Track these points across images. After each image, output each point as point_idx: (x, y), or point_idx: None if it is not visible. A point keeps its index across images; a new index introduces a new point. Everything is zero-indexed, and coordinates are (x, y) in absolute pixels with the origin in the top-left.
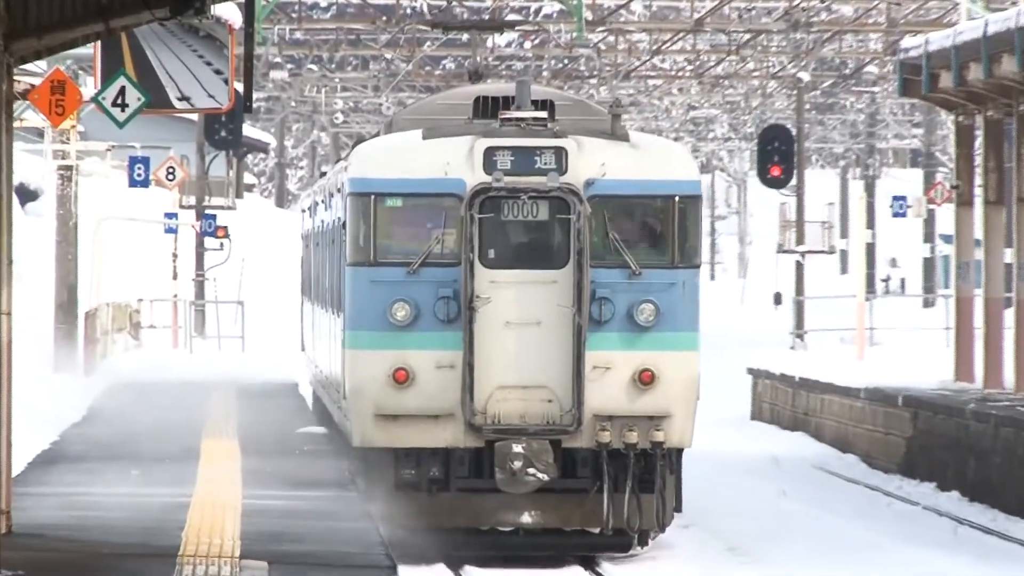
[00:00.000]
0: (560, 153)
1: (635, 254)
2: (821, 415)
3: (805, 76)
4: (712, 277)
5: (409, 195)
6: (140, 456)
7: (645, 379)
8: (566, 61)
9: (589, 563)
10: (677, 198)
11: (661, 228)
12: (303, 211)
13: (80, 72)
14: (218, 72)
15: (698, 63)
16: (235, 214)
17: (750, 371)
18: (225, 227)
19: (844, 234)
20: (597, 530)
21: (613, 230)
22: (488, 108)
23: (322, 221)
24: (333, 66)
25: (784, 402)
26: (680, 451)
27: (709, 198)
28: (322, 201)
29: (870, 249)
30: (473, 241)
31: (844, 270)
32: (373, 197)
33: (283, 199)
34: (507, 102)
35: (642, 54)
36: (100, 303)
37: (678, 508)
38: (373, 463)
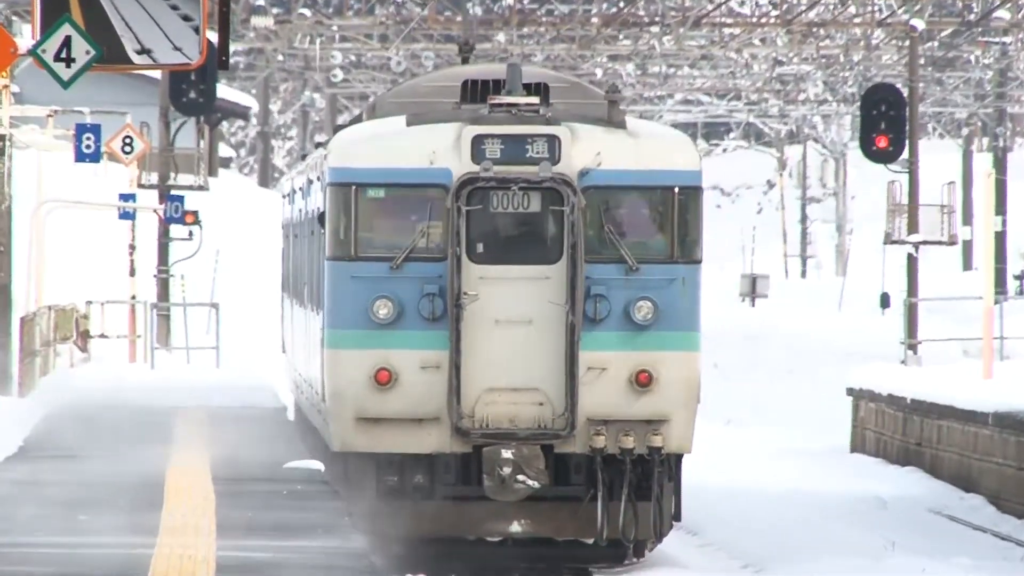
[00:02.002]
0: (553, 141)
1: (632, 248)
2: (938, 446)
3: (920, 23)
4: (803, 274)
5: (392, 185)
6: (90, 498)
7: (642, 381)
8: (621, 4)
9: (582, 575)
10: (677, 189)
11: (660, 221)
12: (284, 197)
13: (14, 19)
14: (187, 19)
15: (786, 7)
16: (208, 195)
17: (850, 391)
18: (195, 212)
19: (967, 220)
20: (591, 540)
21: (609, 223)
22: (477, 92)
23: (301, 211)
24: (330, 10)
25: (892, 430)
26: (680, 457)
27: (800, 175)
28: (301, 189)
29: (1000, 239)
30: (460, 234)
31: (968, 265)
32: (354, 188)
33: (267, 176)
34: (498, 85)
35: None
36: (40, 307)
37: (677, 517)
38: (354, 469)
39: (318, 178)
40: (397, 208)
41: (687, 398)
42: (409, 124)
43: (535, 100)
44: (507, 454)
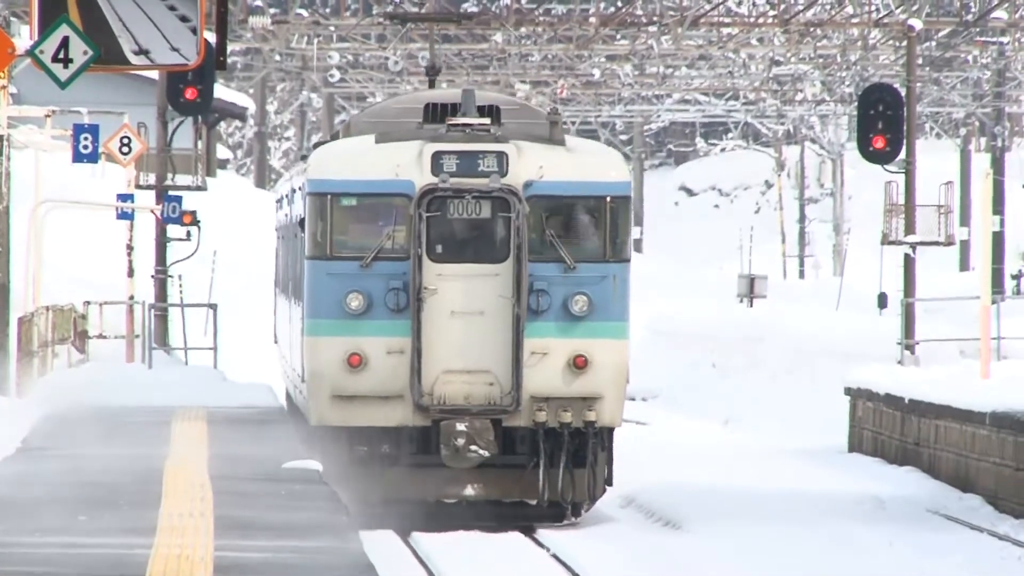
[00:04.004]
0: (501, 157)
1: (570, 250)
2: (936, 446)
3: (917, 23)
4: (801, 275)
5: (363, 195)
6: (88, 498)
7: (579, 364)
8: (619, 4)
9: (528, 532)
10: (609, 198)
11: (594, 226)
12: (277, 201)
13: (13, 19)
14: (184, 19)
15: (783, 7)
16: (205, 196)
17: (848, 391)
18: (193, 212)
19: (965, 221)
20: (534, 502)
21: (550, 227)
22: (437, 114)
23: (287, 215)
24: (327, 10)
25: (890, 430)
26: (611, 430)
27: (797, 175)
28: (287, 196)
29: (997, 239)
30: (421, 237)
31: (965, 266)
32: (329, 197)
33: (264, 177)
34: (455, 108)
35: None
36: (38, 307)
37: (609, 482)
38: (330, 440)
39: (299, 188)
40: (367, 214)
41: (617, 379)
42: (378, 142)
43: (486, 121)
44: (461, 427)
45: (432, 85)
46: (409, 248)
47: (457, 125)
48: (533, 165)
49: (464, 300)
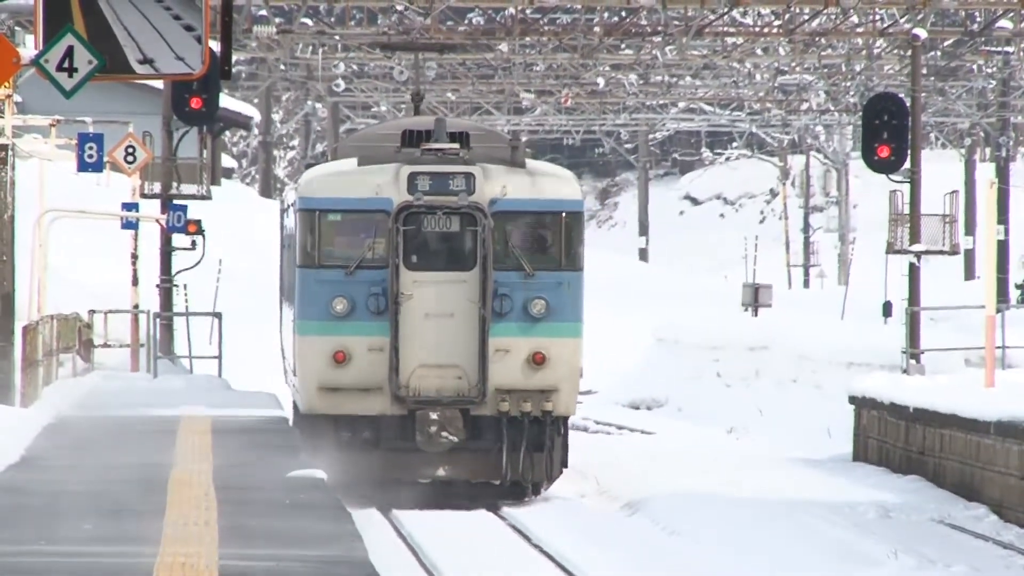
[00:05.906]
0: (469, 177)
1: (529, 259)
2: (941, 455)
3: (922, 33)
4: (805, 284)
5: (347, 211)
6: (92, 507)
7: (537, 360)
8: (623, 14)
9: (493, 508)
10: (564, 214)
11: (551, 238)
12: (282, 211)
13: (17, 28)
14: (189, 29)
15: (788, 17)
16: (210, 205)
17: (853, 400)
18: (198, 221)
19: (970, 230)
20: (498, 482)
21: (512, 240)
22: (413, 139)
23: (284, 227)
24: (332, 20)
25: (895, 438)
26: (566, 418)
27: (802, 184)
28: (284, 212)
29: (1002, 248)
30: (398, 248)
31: (970, 274)
32: (317, 213)
33: (269, 186)
34: (429, 135)
35: (719, 5)
36: (42, 316)
37: (565, 464)
38: (318, 427)
39: (292, 205)
40: (350, 228)
41: (571, 373)
42: (360, 164)
43: (456, 146)
44: (434, 416)
45: (417, 111)
46: (388, 258)
47: (430, 150)
48: (497, 185)
49: (436, 303)
